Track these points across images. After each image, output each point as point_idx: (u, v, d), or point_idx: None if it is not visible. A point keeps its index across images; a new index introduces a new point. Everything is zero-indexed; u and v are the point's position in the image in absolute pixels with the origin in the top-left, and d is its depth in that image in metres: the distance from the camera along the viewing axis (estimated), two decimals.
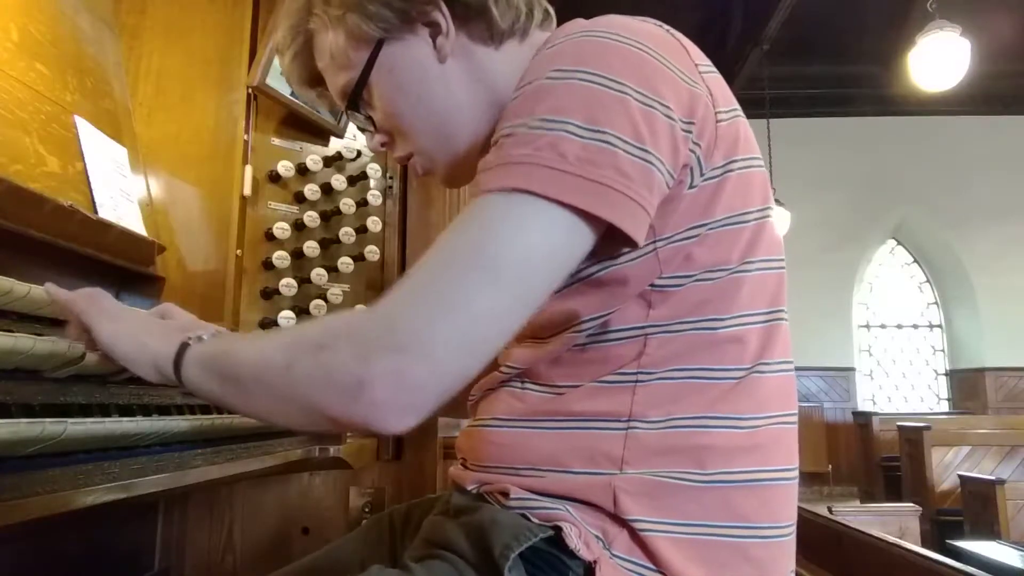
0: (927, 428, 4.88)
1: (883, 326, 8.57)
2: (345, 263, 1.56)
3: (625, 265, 0.67)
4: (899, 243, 8.58)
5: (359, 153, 1.67)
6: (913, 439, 4.98)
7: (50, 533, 1.20)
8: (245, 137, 1.50)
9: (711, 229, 0.68)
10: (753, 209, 0.71)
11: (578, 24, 0.70)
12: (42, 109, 1.16)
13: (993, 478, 4.06)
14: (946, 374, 8.42)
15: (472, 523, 0.69)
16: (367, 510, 1.62)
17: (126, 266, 1.27)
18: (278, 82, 1.53)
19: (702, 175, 0.67)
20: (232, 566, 1.57)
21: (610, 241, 0.64)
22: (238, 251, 1.47)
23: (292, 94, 1.57)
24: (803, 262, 6.90)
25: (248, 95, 1.52)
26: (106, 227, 1.20)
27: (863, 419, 6.60)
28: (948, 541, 3.37)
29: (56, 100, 1.21)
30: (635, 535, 0.65)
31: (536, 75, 0.65)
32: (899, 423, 5.48)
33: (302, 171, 1.58)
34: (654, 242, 0.67)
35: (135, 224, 1.33)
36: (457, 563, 0.67)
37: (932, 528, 4.47)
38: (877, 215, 8.16)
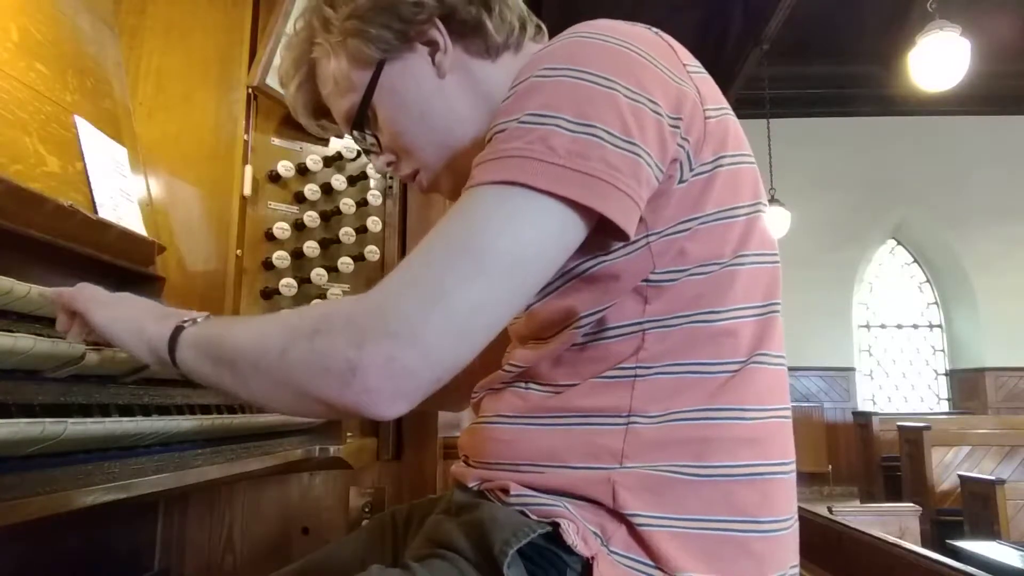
0: (927, 428, 4.88)
1: (883, 326, 8.57)
2: (345, 263, 1.56)
3: (619, 260, 0.68)
4: (899, 243, 8.58)
5: (359, 153, 1.67)
6: (913, 439, 4.98)
7: (50, 533, 1.20)
8: (245, 137, 1.51)
9: (702, 223, 0.69)
10: (743, 204, 0.72)
11: (571, 28, 0.71)
12: (42, 109, 1.16)
13: (993, 478, 4.06)
14: (946, 374, 8.42)
15: (472, 521, 0.69)
16: (367, 510, 1.62)
17: (126, 266, 1.27)
18: (278, 82, 1.53)
19: (691, 170, 0.68)
20: (232, 566, 1.57)
21: (602, 234, 0.65)
22: (238, 251, 1.47)
23: None
24: (803, 262, 6.91)
25: (248, 95, 1.52)
26: (106, 227, 1.20)
27: (863, 419, 6.59)
28: (948, 541, 3.37)
29: (56, 100, 1.21)
30: (633, 531, 0.65)
31: (527, 73, 0.67)
32: (899, 423, 5.47)
33: (302, 171, 1.58)
34: (646, 236, 0.68)
35: (135, 224, 1.33)
36: (457, 561, 0.67)
37: (932, 528, 4.47)
38: (877, 215, 8.16)
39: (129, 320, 0.77)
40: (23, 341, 0.68)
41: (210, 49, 1.55)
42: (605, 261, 0.69)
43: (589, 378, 0.71)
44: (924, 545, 2.93)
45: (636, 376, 0.69)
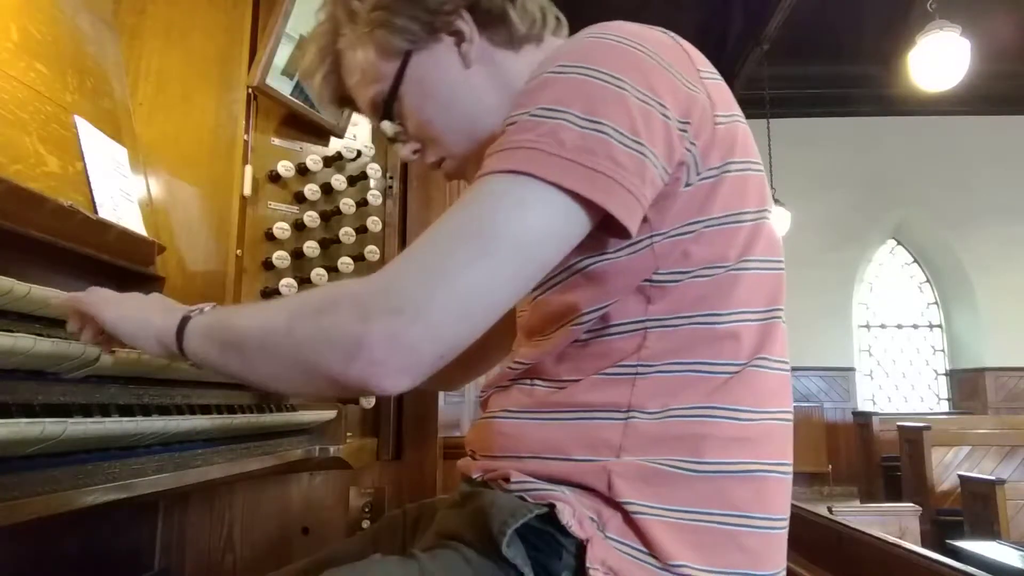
0: (927, 428, 4.88)
1: (883, 326, 8.57)
2: (345, 263, 1.56)
3: (621, 258, 0.70)
4: (899, 243, 8.58)
5: (359, 153, 1.67)
6: (913, 439, 4.98)
7: (50, 533, 1.20)
8: (245, 137, 1.50)
9: (707, 227, 0.70)
10: (749, 210, 0.73)
11: (589, 28, 0.73)
12: (42, 109, 1.16)
13: (993, 478, 4.05)
14: (946, 374, 8.41)
15: (473, 509, 0.71)
16: (367, 510, 1.62)
17: (126, 266, 1.27)
18: (278, 82, 1.53)
19: (698, 174, 0.70)
20: (232, 566, 1.57)
21: (606, 231, 0.67)
22: (238, 251, 1.47)
23: (292, 94, 1.57)
24: (803, 262, 6.90)
25: (248, 95, 1.52)
26: (106, 227, 1.20)
27: (863, 419, 6.59)
28: (948, 541, 3.37)
29: (56, 100, 1.21)
30: (628, 518, 0.67)
31: (543, 70, 0.69)
32: (899, 423, 5.47)
33: (302, 171, 1.58)
34: (651, 236, 0.69)
35: (135, 224, 1.33)
36: (460, 548, 0.69)
37: (932, 528, 4.46)
38: (877, 215, 8.16)
39: (137, 316, 0.79)
40: (23, 341, 0.68)
41: (210, 49, 1.55)
42: (608, 258, 0.70)
43: (591, 374, 0.72)
44: (924, 545, 2.93)
45: (637, 373, 0.70)
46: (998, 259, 7.87)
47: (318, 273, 1.52)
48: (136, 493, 0.79)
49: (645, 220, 0.68)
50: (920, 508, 3.81)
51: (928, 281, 8.58)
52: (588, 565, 0.64)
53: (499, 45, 0.82)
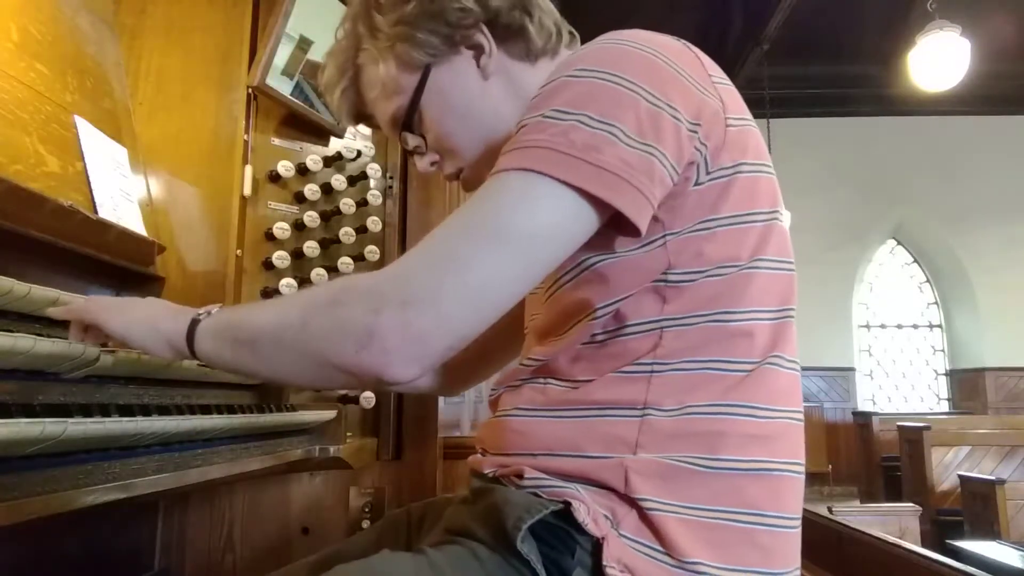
0: (927, 428, 4.87)
1: (883, 326, 8.57)
2: (345, 263, 1.56)
3: (634, 255, 0.71)
4: (899, 243, 8.58)
5: (359, 153, 1.67)
6: (913, 439, 4.98)
7: (50, 533, 1.20)
8: (245, 137, 1.51)
9: (720, 226, 0.72)
10: (761, 211, 0.74)
11: (604, 35, 0.74)
12: (42, 109, 1.16)
13: (993, 478, 4.05)
14: (946, 374, 8.41)
15: (486, 505, 0.71)
16: (367, 510, 1.62)
17: (126, 266, 1.27)
18: (278, 82, 1.53)
19: (708, 173, 0.71)
20: (232, 566, 1.57)
21: (617, 230, 0.68)
22: (238, 251, 1.47)
23: (292, 94, 1.57)
24: (803, 262, 6.81)
25: (248, 95, 1.52)
26: (106, 227, 1.20)
27: (863, 419, 6.59)
28: (948, 541, 3.37)
29: (56, 100, 1.21)
30: (643, 515, 0.67)
31: (558, 74, 0.70)
32: (899, 423, 5.47)
33: (302, 171, 1.58)
34: (663, 236, 0.71)
35: (135, 224, 1.33)
36: (470, 544, 0.69)
37: (932, 528, 4.46)
38: (877, 215, 8.15)
39: (144, 322, 0.80)
40: (23, 341, 0.68)
41: (210, 49, 1.55)
42: (620, 256, 0.71)
43: (607, 373, 0.73)
44: (924, 545, 2.93)
45: (653, 372, 0.71)
46: (998, 259, 7.86)
47: (318, 273, 1.52)
48: (136, 493, 0.79)
49: (657, 219, 0.69)
50: (920, 508, 3.81)
51: (928, 281, 8.58)
52: (605, 563, 0.64)
53: (516, 58, 0.85)
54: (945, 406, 8.30)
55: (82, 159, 1.22)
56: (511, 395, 0.82)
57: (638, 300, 0.72)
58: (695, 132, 0.69)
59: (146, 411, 0.85)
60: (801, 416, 0.76)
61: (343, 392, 1.53)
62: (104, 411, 0.78)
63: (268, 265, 1.50)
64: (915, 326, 8.59)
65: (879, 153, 7.99)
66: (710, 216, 0.71)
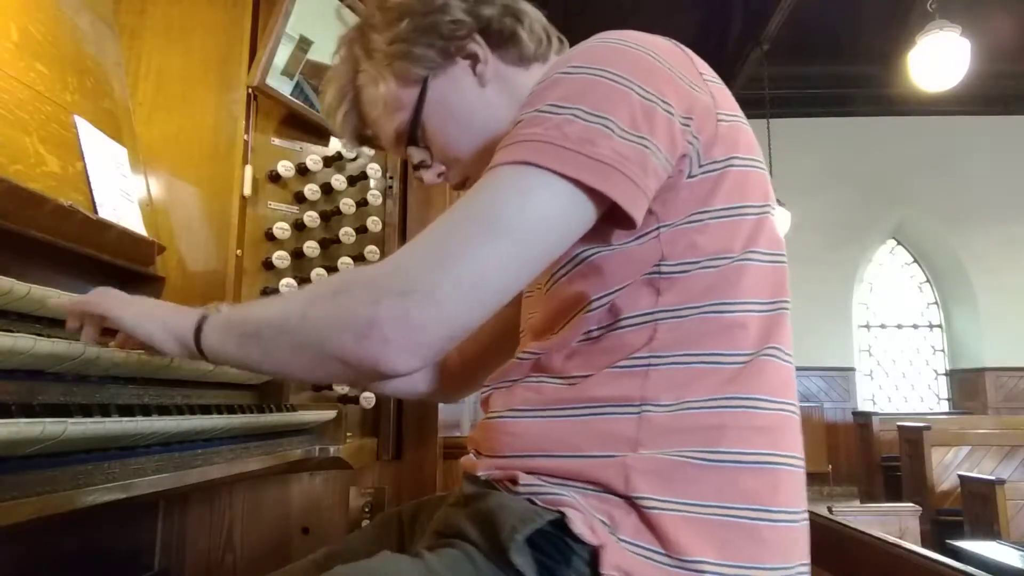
0: (927, 428, 4.87)
1: (883, 326, 8.57)
2: (345, 263, 1.57)
3: (627, 247, 0.71)
4: (899, 243, 8.57)
5: (359, 153, 1.67)
6: (913, 439, 4.98)
7: (50, 533, 1.20)
8: (245, 137, 1.51)
9: (713, 218, 0.72)
10: (753, 204, 0.74)
11: (595, 36, 0.75)
12: (42, 109, 1.16)
13: (993, 478, 4.05)
14: (946, 374, 8.41)
15: (480, 510, 0.70)
16: (367, 510, 1.62)
17: (126, 266, 1.27)
18: (278, 82, 1.53)
19: (700, 166, 0.72)
20: (232, 566, 1.57)
21: (611, 221, 0.69)
22: (238, 251, 1.47)
23: (292, 94, 1.57)
24: (803, 262, 6.90)
25: (248, 95, 1.52)
26: (106, 227, 1.20)
27: (863, 419, 6.59)
28: (948, 541, 3.36)
29: (56, 100, 1.21)
30: (643, 516, 0.66)
31: (553, 71, 0.72)
32: (899, 423, 5.47)
33: (302, 171, 1.58)
34: (657, 228, 0.71)
35: (135, 224, 1.33)
36: (466, 548, 0.68)
37: (932, 528, 4.46)
38: (877, 215, 8.15)
39: (153, 315, 0.82)
40: (23, 341, 0.68)
41: (210, 49, 1.55)
42: (615, 248, 0.72)
43: (602, 368, 0.73)
44: (924, 545, 2.92)
45: (649, 365, 0.71)
46: (998, 259, 7.86)
47: (318, 273, 1.52)
48: (136, 493, 0.79)
49: (651, 211, 0.70)
50: (920, 508, 3.81)
51: (928, 281, 8.57)
52: (604, 572, 0.63)
53: (511, 64, 0.87)
54: (945, 406, 8.30)
55: (82, 159, 1.22)
56: (504, 395, 0.81)
57: (632, 293, 0.72)
58: (687, 126, 0.70)
59: (146, 411, 0.85)
60: (797, 409, 0.76)
61: (343, 392, 1.53)
62: (104, 411, 0.78)
63: (268, 265, 1.50)
64: (915, 326, 8.58)
65: (879, 153, 7.99)
66: (703, 208, 0.72)
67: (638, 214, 0.67)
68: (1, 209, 0.96)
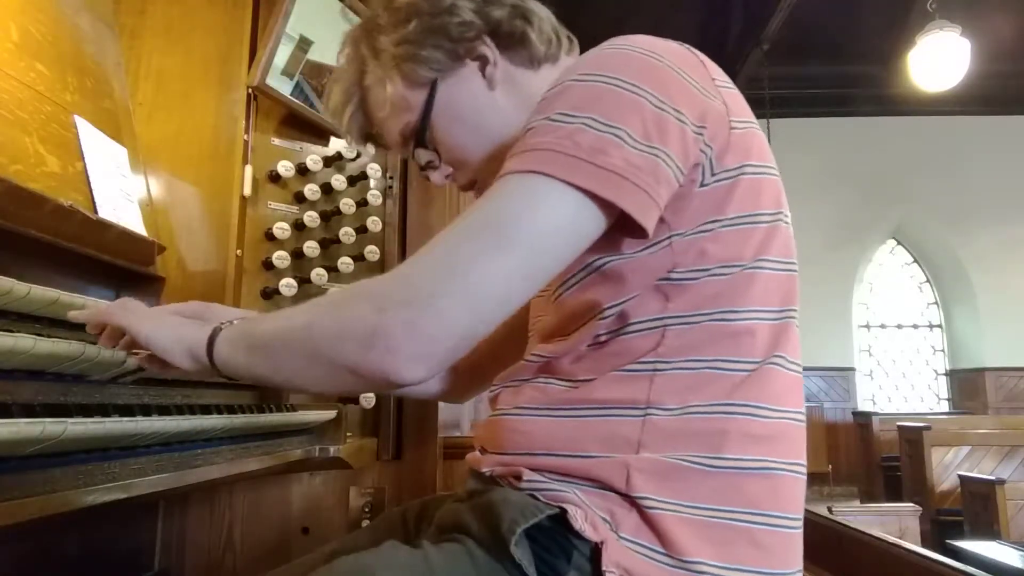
0: (927, 428, 4.87)
1: (883, 326, 8.56)
2: (345, 263, 1.56)
3: (641, 255, 0.71)
4: (899, 243, 8.57)
5: (359, 153, 1.67)
6: (913, 439, 4.98)
7: (50, 533, 1.20)
8: (245, 137, 1.51)
9: (724, 227, 0.72)
10: (765, 212, 0.74)
11: (606, 42, 0.75)
12: (42, 109, 1.16)
13: (993, 478, 4.05)
14: (946, 374, 8.41)
15: (482, 503, 0.71)
16: (367, 510, 1.62)
17: (126, 266, 1.27)
18: (278, 82, 1.53)
19: (713, 175, 0.71)
20: (232, 566, 1.57)
21: (624, 231, 0.68)
22: (238, 251, 1.47)
23: (292, 94, 1.57)
24: (803, 262, 6.76)
25: (248, 95, 1.52)
26: (106, 227, 1.20)
27: (863, 419, 6.59)
28: (948, 541, 3.36)
29: (56, 100, 1.21)
30: (644, 515, 0.67)
31: (564, 78, 0.71)
32: (899, 423, 5.46)
33: (302, 171, 1.58)
34: (669, 237, 0.71)
35: (135, 224, 1.33)
36: (467, 542, 0.69)
37: (932, 528, 4.46)
38: (877, 215, 8.15)
39: (169, 327, 0.81)
40: (23, 341, 0.68)
41: (210, 49, 1.55)
42: (627, 257, 0.71)
43: (609, 372, 0.73)
44: (924, 545, 2.93)
45: (655, 371, 0.71)
46: (998, 259, 7.86)
47: (318, 273, 1.52)
48: (136, 493, 0.79)
49: (663, 220, 0.69)
50: (920, 508, 3.81)
51: (928, 281, 8.57)
52: (604, 568, 0.64)
53: (520, 65, 0.86)
54: (945, 406, 8.30)
55: (82, 159, 1.22)
56: (511, 394, 0.82)
57: (641, 299, 0.72)
58: (700, 135, 0.70)
59: (146, 411, 0.85)
60: (803, 417, 0.76)
61: None
62: (104, 411, 0.78)
63: (268, 265, 1.50)
64: (915, 326, 8.58)
65: (879, 153, 7.99)
66: (715, 217, 0.71)
67: (650, 223, 0.66)
68: (1, 209, 0.96)
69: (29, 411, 0.68)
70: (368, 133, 0.94)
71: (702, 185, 0.71)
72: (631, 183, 0.65)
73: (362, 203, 1.63)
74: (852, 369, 8.10)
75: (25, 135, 1.09)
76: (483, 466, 0.79)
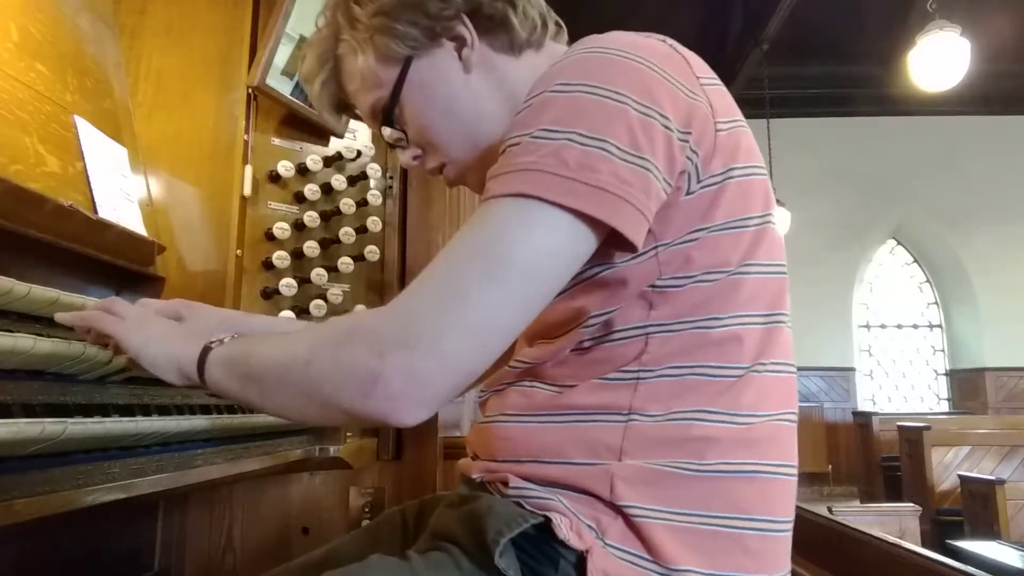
0: (927, 428, 4.88)
1: (883, 326, 8.57)
2: (345, 263, 1.56)
3: (626, 266, 0.70)
4: (899, 243, 8.58)
5: (359, 153, 1.67)
6: (913, 439, 4.98)
7: (50, 533, 1.20)
8: (245, 137, 1.50)
9: (710, 233, 0.70)
10: (754, 215, 0.73)
11: (586, 41, 0.73)
12: (42, 109, 1.16)
13: (993, 478, 4.05)
14: (946, 374, 8.41)
15: (470, 512, 0.70)
16: (367, 510, 1.62)
17: (126, 266, 1.27)
18: (278, 82, 1.53)
19: (699, 181, 0.70)
20: (232, 566, 1.57)
21: (612, 245, 0.67)
22: (238, 251, 1.47)
23: (292, 94, 1.57)
24: (803, 262, 6.90)
25: (248, 95, 1.52)
26: (106, 227, 1.20)
27: (863, 419, 6.60)
28: (948, 541, 3.37)
29: (56, 100, 1.21)
30: (630, 523, 0.66)
31: (542, 88, 0.68)
32: (899, 423, 5.47)
33: (302, 171, 1.58)
34: (655, 247, 0.69)
35: (135, 224, 1.33)
36: (453, 551, 0.68)
37: (932, 528, 4.46)
38: (877, 215, 8.15)
39: (160, 340, 0.79)
40: (23, 341, 0.68)
41: (210, 49, 1.55)
42: (614, 267, 0.70)
43: (591, 379, 0.72)
44: (924, 545, 2.93)
45: (639, 378, 0.70)
46: (998, 259, 7.86)
47: (318, 273, 1.52)
48: (136, 493, 0.79)
49: (649, 231, 0.67)
50: (920, 508, 3.81)
51: (928, 281, 8.58)
52: None
53: (499, 50, 0.82)
54: (945, 406, 8.30)
55: (82, 159, 1.22)
56: (497, 399, 0.81)
57: (626, 307, 0.71)
58: (686, 141, 0.68)
59: (146, 411, 0.85)
60: (795, 417, 0.75)
61: None
62: (104, 411, 0.78)
63: (268, 265, 1.50)
64: (915, 326, 8.59)
65: (879, 153, 7.99)
66: (701, 225, 0.70)
67: (640, 240, 0.65)
68: (1, 209, 0.96)
69: (29, 411, 0.68)
70: (341, 103, 0.90)
71: (688, 193, 0.69)
72: (622, 200, 0.63)
73: (362, 203, 1.63)
74: (852, 369, 8.10)
75: (25, 135, 1.09)
76: (473, 472, 0.79)
